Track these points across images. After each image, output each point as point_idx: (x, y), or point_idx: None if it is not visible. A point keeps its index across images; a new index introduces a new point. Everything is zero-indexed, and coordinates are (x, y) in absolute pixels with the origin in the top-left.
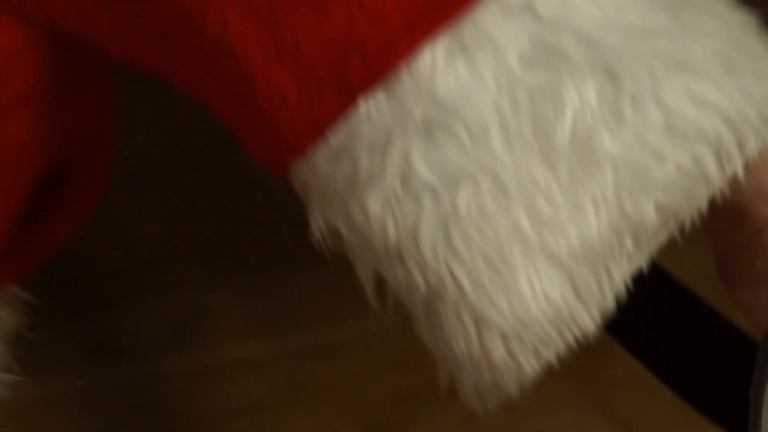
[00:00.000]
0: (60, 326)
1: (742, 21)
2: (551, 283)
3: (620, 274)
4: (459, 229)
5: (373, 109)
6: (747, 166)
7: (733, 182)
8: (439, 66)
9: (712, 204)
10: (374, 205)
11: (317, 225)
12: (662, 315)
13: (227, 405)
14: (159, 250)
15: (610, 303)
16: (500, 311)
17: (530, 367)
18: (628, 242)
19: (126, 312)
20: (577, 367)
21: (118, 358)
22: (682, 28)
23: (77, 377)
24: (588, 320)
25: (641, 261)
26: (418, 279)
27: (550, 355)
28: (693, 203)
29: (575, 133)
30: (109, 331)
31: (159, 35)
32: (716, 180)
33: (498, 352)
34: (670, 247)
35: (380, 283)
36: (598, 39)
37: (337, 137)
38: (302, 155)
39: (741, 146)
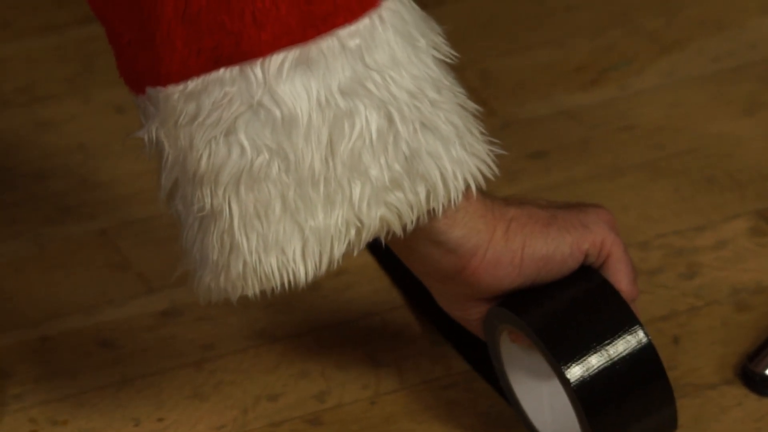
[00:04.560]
0: None
1: (472, 107)
2: (289, 241)
3: (338, 252)
4: (247, 179)
5: (227, 78)
6: (448, 221)
7: (435, 224)
8: (284, 71)
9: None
10: (199, 141)
11: (149, 135)
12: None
13: None
14: None
15: (324, 267)
16: (249, 246)
17: (252, 290)
18: (352, 233)
19: None
20: None
21: None
22: (437, 101)
23: None
24: (302, 274)
25: (357, 247)
26: (206, 201)
27: (269, 287)
28: (402, 221)
29: (353, 149)
30: None
31: None
32: (422, 210)
33: (236, 270)
34: None
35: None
36: (392, 92)
37: (194, 84)
38: (163, 87)
39: (445, 195)
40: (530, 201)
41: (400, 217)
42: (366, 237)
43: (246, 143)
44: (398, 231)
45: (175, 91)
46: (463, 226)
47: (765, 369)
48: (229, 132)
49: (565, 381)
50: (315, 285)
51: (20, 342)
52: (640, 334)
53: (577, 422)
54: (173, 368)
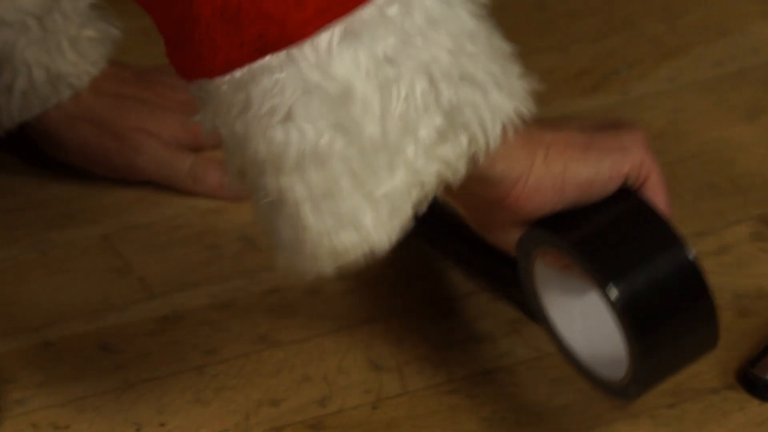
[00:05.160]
0: None
1: (508, 49)
2: (360, 213)
3: (407, 215)
4: (312, 161)
5: (275, 65)
6: (490, 159)
7: (478, 164)
8: (333, 47)
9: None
10: (255, 131)
11: (207, 125)
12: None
13: None
14: None
15: (396, 231)
16: (321, 225)
17: (329, 267)
18: (415, 193)
19: None
20: None
21: None
22: (474, 53)
23: None
24: (379, 244)
25: (421, 205)
26: (271, 188)
27: (345, 261)
28: (454, 172)
29: (402, 113)
30: None
31: None
32: (467, 158)
33: (309, 250)
34: None
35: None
36: (432, 52)
37: (241, 74)
38: (210, 79)
39: (485, 141)
40: (565, 124)
41: (451, 168)
42: (427, 194)
43: (305, 126)
44: (453, 181)
45: (222, 82)
46: (503, 159)
47: (767, 374)
48: (286, 119)
49: (608, 299)
50: (316, 289)
51: (22, 347)
52: (684, 251)
53: (612, 341)
54: (175, 373)
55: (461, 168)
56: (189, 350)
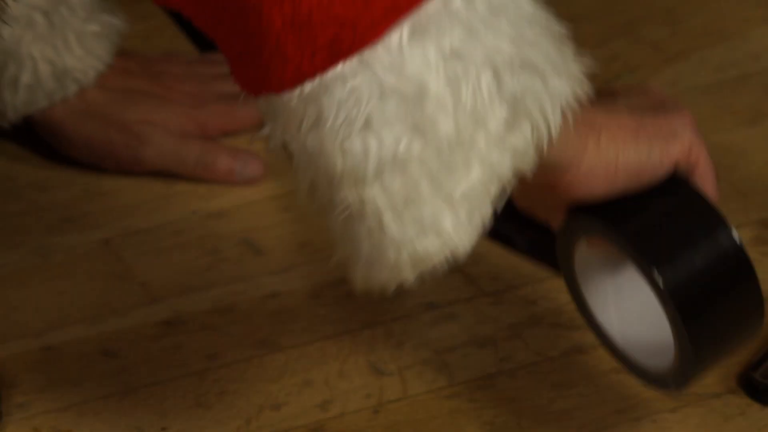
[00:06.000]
0: None
1: (560, 30)
2: (441, 217)
3: (486, 213)
4: (391, 168)
5: (347, 72)
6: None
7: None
8: (404, 46)
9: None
10: (331, 144)
11: (273, 138)
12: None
13: None
14: None
15: (477, 231)
16: (402, 234)
17: (410, 275)
18: (491, 189)
19: None
20: None
21: None
22: (533, 39)
23: None
24: (461, 245)
25: (498, 203)
26: (350, 202)
27: (425, 268)
28: (525, 162)
29: (471, 107)
30: None
31: None
32: (534, 145)
33: (390, 260)
34: None
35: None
36: (495, 42)
37: (312, 86)
38: (279, 94)
39: (546, 129)
40: (612, 102)
41: (522, 157)
42: (504, 188)
43: (384, 133)
44: (527, 171)
45: (291, 97)
46: (558, 143)
47: None
48: (364, 127)
49: (656, 286)
50: (317, 293)
51: (24, 351)
52: (730, 236)
53: (655, 331)
54: (176, 377)
55: (531, 156)
56: (190, 355)
